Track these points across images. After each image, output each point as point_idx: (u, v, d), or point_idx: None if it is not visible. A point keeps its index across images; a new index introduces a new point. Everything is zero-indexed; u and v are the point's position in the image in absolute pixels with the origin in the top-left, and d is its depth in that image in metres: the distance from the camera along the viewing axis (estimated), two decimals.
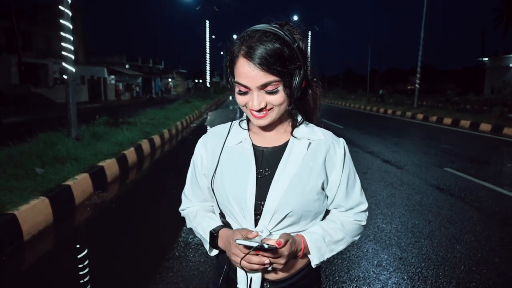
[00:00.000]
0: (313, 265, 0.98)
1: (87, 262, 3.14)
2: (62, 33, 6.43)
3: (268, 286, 0.99)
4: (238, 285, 0.97)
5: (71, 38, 6.54)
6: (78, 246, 3.55)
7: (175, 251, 3.23)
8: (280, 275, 0.98)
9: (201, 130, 12.52)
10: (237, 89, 0.91)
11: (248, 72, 0.86)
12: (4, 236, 3.19)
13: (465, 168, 6.45)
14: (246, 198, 0.93)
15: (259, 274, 0.96)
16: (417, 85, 20.24)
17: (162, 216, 4.30)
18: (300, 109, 1.00)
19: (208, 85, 36.75)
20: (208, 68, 36.73)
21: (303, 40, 0.91)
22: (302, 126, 0.99)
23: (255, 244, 0.82)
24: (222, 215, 1.01)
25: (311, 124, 1.02)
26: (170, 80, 58.37)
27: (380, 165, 6.73)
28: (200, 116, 17.46)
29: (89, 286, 2.73)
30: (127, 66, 43.70)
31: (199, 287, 2.65)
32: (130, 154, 6.68)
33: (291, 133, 0.98)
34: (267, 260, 0.86)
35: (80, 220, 4.16)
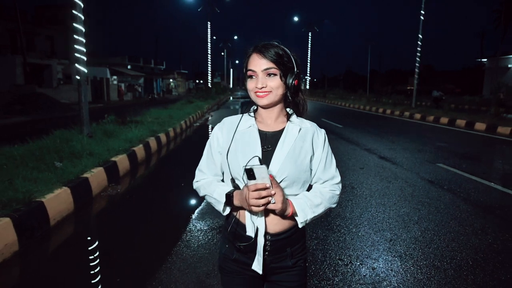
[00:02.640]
0: (299, 223, 1.28)
1: (107, 244, 3.51)
2: (75, 36, 6.79)
3: (269, 237, 1.28)
4: (247, 233, 1.26)
5: (84, 40, 6.89)
6: (98, 231, 3.92)
7: (187, 234, 3.59)
8: (279, 228, 1.28)
9: (205, 129, 12.88)
10: (248, 78, 1.28)
11: (256, 61, 1.25)
12: (35, 221, 3.55)
13: (456, 164, 6.81)
14: (249, 160, 1.26)
15: (263, 224, 1.25)
16: (415, 86, 20.57)
17: (172, 206, 4.66)
18: (294, 108, 1.37)
19: (209, 85, 37.09)
20: (209, 68, 37.11)
21: (296, 57, 1.31)
22: (294, 118, 1.34)
23: (264, 166, 1.13)
24: (232, 180, 1.31)
25: (300, 118, 1.39)
26: (171, 80, 58.70)
27: (376, 161, 7.09)
28: (202, 115, 17.81)
29: (110, 264, 3.09)
30: (129, 67, 44.07)
31: (209, 260, 3.01)
32: (139, 150, 7.04)
33: (287, 120, 1.35)
34: (267, 185, 1.14)
35: (98, 208, 4.52)
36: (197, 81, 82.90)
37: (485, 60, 37.72)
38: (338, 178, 1.40)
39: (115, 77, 35.44)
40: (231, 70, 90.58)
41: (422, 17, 19.05)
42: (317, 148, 1.34)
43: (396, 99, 22.94)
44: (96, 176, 5.00)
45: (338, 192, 1.40)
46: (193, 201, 4.61)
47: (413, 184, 5.43)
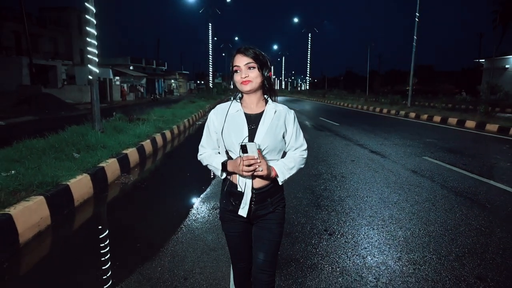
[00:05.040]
0: (280, 182, 1.75)
1: (125, 221, 4.06)
2: (87, 39, 7.33)
3: (254, 191, 1.72)
4: (238, 189, 1.72)
5: (96, 43, 7.44)
6: (116, 211, 4.47)
7: (194, 212, 4.14)
8: (261, 184, 1.72)
9: None
10: (234, 72, 1.71)
11: (239, 58, 1.69)
12: (63, 200, 4.10)
13: (441, 157, 7.35)
14: (243, 140, 1.69)
15: (250, 182, 1.70)
16: (410, 86, 21.10)
17: (181, 192, 5.21)
18: (269, 93, 1.80)
19: (211, 85, 37.66)
20: (210, 69, 37.69)
21: (268, 57, 1.76)
22: (270, 102, 1.79)
23: (255, 143, 1.63)
24: (227, 153, 1.76)
25: (275, 102, 1.82)
26: (173, 81, 59.29)
27: (367, 154, 7.62)
28: (204, 114, 18.35)
29: (129, 236, 3.64)
30: (131, 68, 44.65)
31: (214, 231, 3.56)
32: (147, 145, 7.59)
33: (265, 105, 1.78)
34: (256, 156, 1.59)
35: (114, 194, 5.06)
36: (198, 81, 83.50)
37: (483, 60, 38.20)
38: (305, 146, 1.87)
39: (117, 77, 36.01)
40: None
41: (417, 19, 19.61)
42: (288, 125, 1.79)
43: (392, 99, 23.48)
44: (111, 166, 5.55)
45: (305, 156, 1.88)
46: (198, 187, 5.15)
47: (398, 173, 5.98)
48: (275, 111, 1.77)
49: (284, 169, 1.76)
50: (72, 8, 36.90)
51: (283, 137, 1.78)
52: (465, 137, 10.85)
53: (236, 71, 1.72)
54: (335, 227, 3.72)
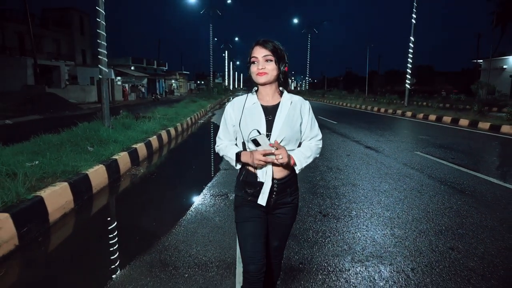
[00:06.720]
0: (297, 170, 1.79)
1: (139, 206, 4.49)
2: (98, 41, 7.76)
3: (276, 181, 1.74)
4: (258, 180, 1.73)
5: (105, 44, 7.86)
6: (131, 197, 4.90)
7: (201, 198, 4.57)
8: (282, 174, 1.75)
9: (209, 126, 13.84)
10: (251, 64, 1.72)
11: (258, 50, 1.69)
12: (83, 187, 4.53)
13: (432, 152, 7.78)
14: (260, 131, 1.70)
15: (271, 173, 1.71)
16: (407, 86, 21.53)
17: (187, 182, 5.64)
18: (284, 86, 1.82)
19: (211, 85, 38.14)
20: (211, 69, 38.15)
21: (286, 53, 1.77)
22: (286, 94, 1.80)
23: (263, 134, 1.62)
24: (243, 144, 1.78)
25: (290, 94, 1.84)
26: (173, 81, 59.74)
27: (362, 150, 8.06)
28: (206, 113, 18.79)
29: (144, 216, 4.07)
30: (132, 68, 45.09)
31: (221, 213, 3.98)
32: (154, 140, 8.02)
33: (281, 97, 1.81)
34: (273, 150, 1.61)
35: (127, 183, 5.49)
36: (198, 81, 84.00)
37: (481, 61, 38.69)
38: (320, 135, 1.90)
39: (119, 77, 36.46)
40: (232, 71, 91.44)
41: (414, 21, 20.06)
42: (304, 115, 1.81)
43: (390, 99, 23.95)
44: (123, 159, 5.98)
45: (320, 146, 1.91)
46: (204, 178, 5.57)
47: (389, 166, 6.41)
48: (291, 102, 1.79)
49: (302, 158, 1.79)
50: (74, 9, 37.38)
51: (300, 127, 1.81)
52: (457, 135, 11.28)
53: (253, 62, 1.73)
54: (328, 210, 4.15)
